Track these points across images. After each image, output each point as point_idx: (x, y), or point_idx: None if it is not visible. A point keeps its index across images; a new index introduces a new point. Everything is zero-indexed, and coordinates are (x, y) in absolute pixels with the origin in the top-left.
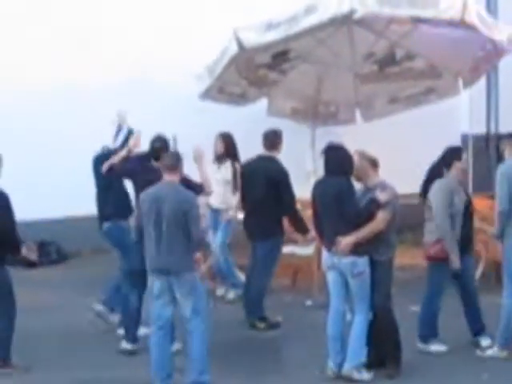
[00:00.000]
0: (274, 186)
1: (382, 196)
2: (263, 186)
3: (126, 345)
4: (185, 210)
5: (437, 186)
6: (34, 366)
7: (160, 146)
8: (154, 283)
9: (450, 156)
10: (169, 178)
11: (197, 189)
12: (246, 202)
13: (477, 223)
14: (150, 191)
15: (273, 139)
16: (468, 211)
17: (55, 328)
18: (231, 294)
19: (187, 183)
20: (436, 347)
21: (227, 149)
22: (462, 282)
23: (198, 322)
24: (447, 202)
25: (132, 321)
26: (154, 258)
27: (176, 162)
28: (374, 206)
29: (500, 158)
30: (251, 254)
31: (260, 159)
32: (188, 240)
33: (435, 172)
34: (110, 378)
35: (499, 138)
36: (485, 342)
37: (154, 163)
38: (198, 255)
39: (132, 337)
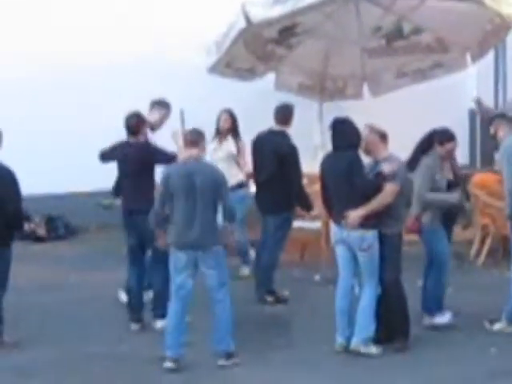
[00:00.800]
0: (282, 161)
1: (386, 168)
2: (272, 160)
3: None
4: (218, 184)
5: (420, 163)
6: (44, 341)
7: (136, 121)
8: (179, 256)
9: (431, 138)
10: (192, 152)
11: (170, 160)
12: (257, 176)
13: (484, 198)
14: (176, 166)
15: (284, 113)
16: (453, 188)
17: (64, 303)
18: (246, 270)
19: (159, 150)
20: (439, 319)
21: (233, 124)
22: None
23: (225, 292)
24: (427, 178)
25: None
26: (183, 233)
27: (198, 137)
28: (381, 178)
29: (494, 139)
30: (262, 228)
31: (270, 133)
32: (215, 214)
33: (420, 150)
34: (120, 352)
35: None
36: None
37: (131, 138)
38: (229, 228)
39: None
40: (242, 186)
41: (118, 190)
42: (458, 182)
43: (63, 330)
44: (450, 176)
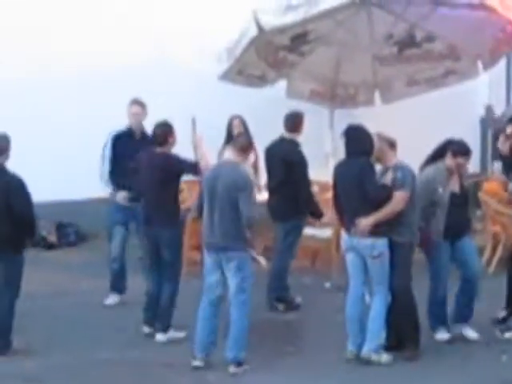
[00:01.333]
0: (291, 169)
1: (386, 179)
2: (280, 167)
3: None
4: (238, 188)
5: (422, 173)
6: (54, 347)
7: (162, 130)
8: (206, 258)
9: (446, 147)
10: (233, 158)
11: (193, 169)
12: (268, 184)
13: (495, 205)
14: (212, 169)
15: (294, 121)
16: (456, 202)
17: (74, 309)
18: None
19: (181, 161)
20: (440, 335)
21: (245, 131)
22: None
23: (243, 300)
24: (425, 190)
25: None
26: (207, 234)
27: (247, 144)
28: (386, 191)
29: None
30: (274, 235)
31: (280, 141)
32: (239, 218)
33: (432, 158)
34: (130, 358)
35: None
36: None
37: (158, 149)
38: (249, 234)
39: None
40: None
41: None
42: (465, 195)
43: (73, 336)
44: (456, 189)
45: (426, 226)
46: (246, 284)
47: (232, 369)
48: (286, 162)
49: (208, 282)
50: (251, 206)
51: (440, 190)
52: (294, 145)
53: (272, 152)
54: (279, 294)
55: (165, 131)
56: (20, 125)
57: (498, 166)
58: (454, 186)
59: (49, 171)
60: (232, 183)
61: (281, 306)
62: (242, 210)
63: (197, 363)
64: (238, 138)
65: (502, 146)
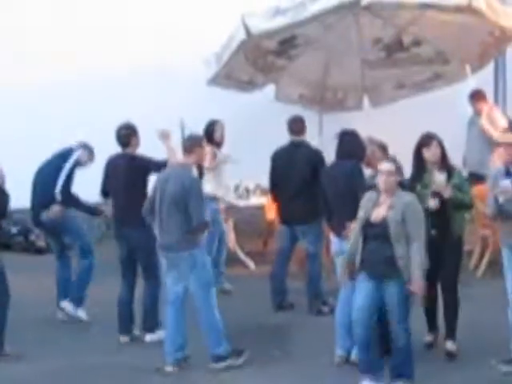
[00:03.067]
0: (316, 170)
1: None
2: (306, 170)
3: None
4: (185, 191)
5: None
6: (43, 352)
7: (126, 133)
8: (162, 260)
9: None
10: (183, 160)
11: (161, 166)
12: (282, 189)
13: (483, 208)
14: (163, 172)
15: (301, 123)
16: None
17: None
18: (226, 285)
19: (146, 160)
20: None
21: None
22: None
23: (204, 296)
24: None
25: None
26: (159, 235)
27: (191, 144)
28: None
29: None
30: (284, 238)
31: (294, 145)
32: (187, 219)
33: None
34: (118, 362)
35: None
36: None
37: (122, 151)
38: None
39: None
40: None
41: (105, 192)
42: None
43: (63, 341)
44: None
45: None
46: (203, 279)
47: (211, 365)
48: (312, 164)
49: (166, 283)
50: (202, 209)
51: (361, 213)
52: (309, 145)
53: (290, 157)
54: (322, 297)
55: (128, 133)
56: (12, 132)
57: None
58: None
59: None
60: (179, 186)
61: (326, 309)
62: (192, 214)
63: (169, 369)
64: (185, 139)
65: None
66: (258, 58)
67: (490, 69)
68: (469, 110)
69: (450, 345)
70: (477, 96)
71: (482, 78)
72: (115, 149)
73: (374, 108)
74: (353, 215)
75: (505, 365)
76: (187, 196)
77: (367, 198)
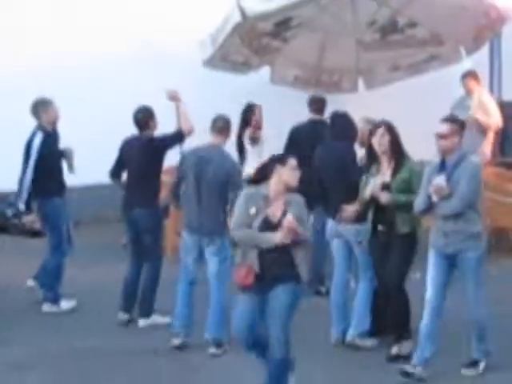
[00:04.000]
0: None
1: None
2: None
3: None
4: (227, 175)
5: None
6: (41, 335)
7: (143, 115)
8: (187, 239)
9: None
10: (215, 140)
11: (177, 137)
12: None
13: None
14: (194, 151)
15: (323, 103)
16: None
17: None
18: None
19: (163, 138)
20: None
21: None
22: None
23: (221, 281)
24: None
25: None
26: (191, 217)
27: (225, 124)
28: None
29: None
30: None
31: (313, 123)
32: (225, 204)
33: None
34: (114, 345)
35: (502, 105)
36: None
37: (140, 133)
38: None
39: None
40: None
41: (115, 173)
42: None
43: (59, 324)
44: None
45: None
46: (223, 266)
47: (212, 350)
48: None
49: (185, 262)
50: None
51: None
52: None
53: (314, 132)
54: (323, 278)
55: (146, 116)
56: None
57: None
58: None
59: None
60: (221, 169)
61: (323, 289)
62: (231, 199)
63: (177, 341)
64: (215, 120)
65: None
66: (253, 40)
67: (485, 50)
68: (464, 93)
69: (394, 349)
70: (469, 76)
71: (478, 60)
72: (118, 136)
73: (368, 90)
74: (347, 197)
75: (467, 369)
76: (228, 180)
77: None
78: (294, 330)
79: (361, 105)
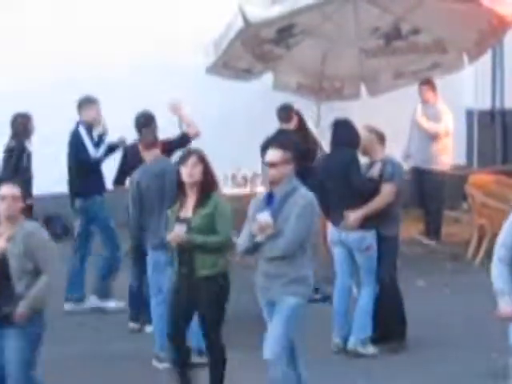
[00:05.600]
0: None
1: (373, 172)
2: None
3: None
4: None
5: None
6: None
7: (144, 121)
8: (161, 257)
9: None
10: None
11: (182, 141)
12: None
13: (481, 198)
14: (145, 168)
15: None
16: None
17: (63, 302)
18: None
19: (170, 143)
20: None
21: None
22: None
23: None
24: None
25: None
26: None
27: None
28: (372, 183)
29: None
30: None
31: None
32: None
33: None
34: (116, 350)
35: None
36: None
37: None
38: None
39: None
40: None
41: (119, 180)
42: None
43: (61, 329)
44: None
45: None
46: None
47: (194, 358)
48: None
49: (161, 279)
50: None
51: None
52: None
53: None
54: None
55: (147, 120)
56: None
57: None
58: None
59: (37, 165)
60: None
61: (318, 296)
62: None
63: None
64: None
65: None
66: (256, 47)
67: (488, 58)
68: (466, 101)
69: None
70: (426, 85)
71: (480, 67)
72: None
73: (371, 97)
74: (350, 204)
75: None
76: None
77: None
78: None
79: (363, 111)
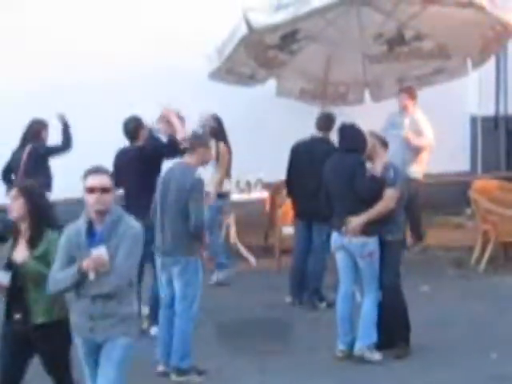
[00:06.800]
0: None
1: (375, 170)
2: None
3: None
4: (188, 193)
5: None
6: None
7: (133, 126)
8: (157, 261)
9: None
10: (186, 159)
11: (169, 145)
12: (301, 184)
13: (485, 204)
14: (164, 171)
15: (329, 121)
16: None
17: None
18: (219, 275)
19: (155, 146)
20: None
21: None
22: None
23: (184, 307)
24: None
25: None
26: (157, 237)
27: (193, 143)
28: (380, 182)
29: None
30: (302, 236)
31: (312, 141)
32: (187, 223)
33: None
34: None
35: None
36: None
37: (131, 143)
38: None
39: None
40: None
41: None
42: None
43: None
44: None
45: None
46: (189, 290)
47: (173, 377)
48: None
49: (160, 286)
50: (200, 211)
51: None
52: (330, 143)
53: (310, 152)
54: (320, 292)
55: (136, 126)
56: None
57: None
58: None
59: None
60: (181, 187)
61: (323, 304)
62: (191, 215)
63: (160, 368)
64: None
65: None
66: (260, 53)
67: (491, 64)
68: (470, 107)
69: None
70: (405, 92)
71: (484, 73)
72: (116, 146)
73: (375, 102)
74: (354, 209)
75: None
76: (188, 198)
77: None
78: (300, 344)
79: (367, 117)
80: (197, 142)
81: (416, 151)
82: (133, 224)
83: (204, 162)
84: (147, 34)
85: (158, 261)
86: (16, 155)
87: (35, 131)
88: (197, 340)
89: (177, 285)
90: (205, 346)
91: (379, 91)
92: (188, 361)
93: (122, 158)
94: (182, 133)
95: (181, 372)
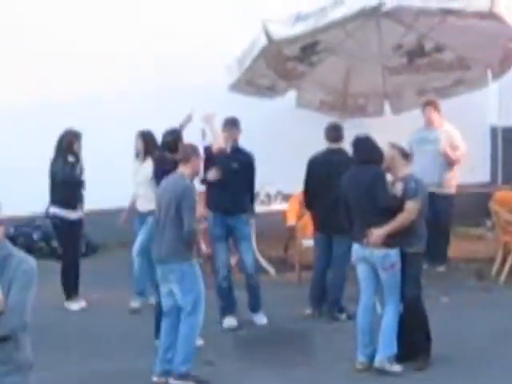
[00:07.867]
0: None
1: (396, 190)
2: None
3: None
4: (178, 201)
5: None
6: (64, 359)
7: (172, 139)
8: (157, 270)
9: None
10: (180, 169)
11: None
12: (320, 198)
13: (506, 215)
14: (161, 184)
15: (334, 131)
16: None
17: (86, 319)
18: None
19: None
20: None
21: (147, 147)
22: None
23: (186, 313)
24: None
25: None
26: (154, 247)
27: (187, 154)
28: (397, 200)
29: None
30: (322, 249)
31: (328, 152)
32: (180, 230)
33: None
34: (137, 368)
35: None
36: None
37: (168, 155)
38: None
39: None
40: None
41: None
42: None
43: (84, 347)
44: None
45: None
46: (188, 298)
47: (171, 380)
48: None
49: (161, 295)
50: (192, 219)
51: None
52: (346, 154)
53: (327, 164)
54: (341, 304)
55: (175, 138)
56: (29, 135)
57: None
58: None
59: None
60: (173, 196)
61: (343, 316)
62: (184, 222)
63: (155, 379)
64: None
65: None
66: (279, 64)
67: (511, 75)
68: (491, 119)
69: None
70: (430, 105)
71: (504, 84)
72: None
73: (395, 115)
74: (374, 221)
75: None
76: (179, 205)
77: None
78: (320, 355)
79: (387, 129)
80: (192, 152)
81: (451, 165)
82: (26, 258)
83: (196, 174)
84: (167, 46)
85: (159, 272)
86: (54, 168)
87: (68, 142)
88: (216, 352)
89: (177, 294)
90: (226, 358)
91: (399, 103)
92: (190, 366)
93: (164, 169)
94: (219, 143)
95: (179, 376)
